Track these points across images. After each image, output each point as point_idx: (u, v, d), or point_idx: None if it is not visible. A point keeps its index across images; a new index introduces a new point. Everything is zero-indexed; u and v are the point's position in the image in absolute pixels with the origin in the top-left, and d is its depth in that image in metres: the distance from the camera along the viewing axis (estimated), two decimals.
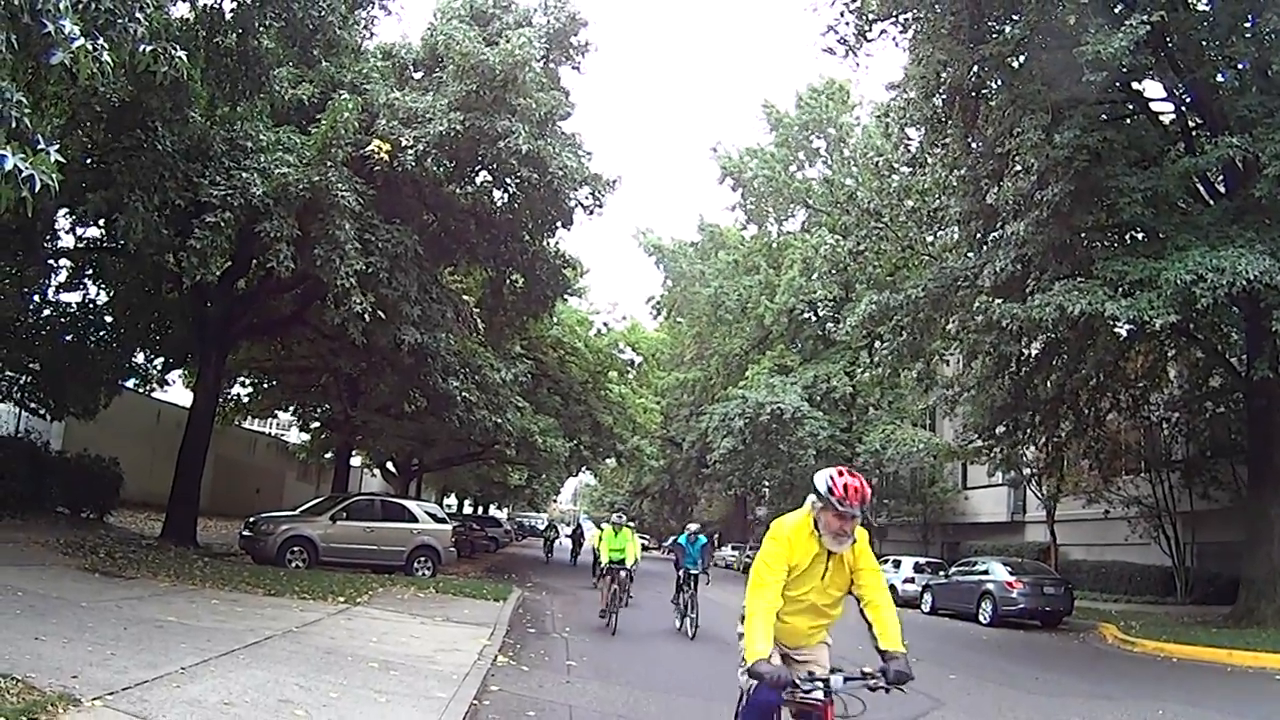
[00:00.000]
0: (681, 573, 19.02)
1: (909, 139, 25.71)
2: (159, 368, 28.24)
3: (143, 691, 7.75)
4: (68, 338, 23.57)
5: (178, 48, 9.25)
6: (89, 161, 16.71)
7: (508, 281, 29.55)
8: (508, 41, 22.43)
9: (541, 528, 52.18)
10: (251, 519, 24.24)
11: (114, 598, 12.89)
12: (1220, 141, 17.55)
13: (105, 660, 8.66)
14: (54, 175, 6.71)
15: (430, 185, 24.22)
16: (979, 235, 23.62)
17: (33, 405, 23.59)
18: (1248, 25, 18.74)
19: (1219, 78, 19.75)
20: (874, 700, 5.29)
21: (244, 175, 18.23)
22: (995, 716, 11.55)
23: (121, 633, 10.23)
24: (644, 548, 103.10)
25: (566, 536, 55.01)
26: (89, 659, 8.59)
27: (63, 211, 20.00)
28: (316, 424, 43.14)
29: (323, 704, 8.41)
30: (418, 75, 25.69)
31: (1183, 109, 21.43)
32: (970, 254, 24.20)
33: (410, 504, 27.30)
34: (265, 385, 37.27)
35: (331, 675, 9.73)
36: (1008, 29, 19.85)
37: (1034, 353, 24.19)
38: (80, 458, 23.52)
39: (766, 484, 56.84)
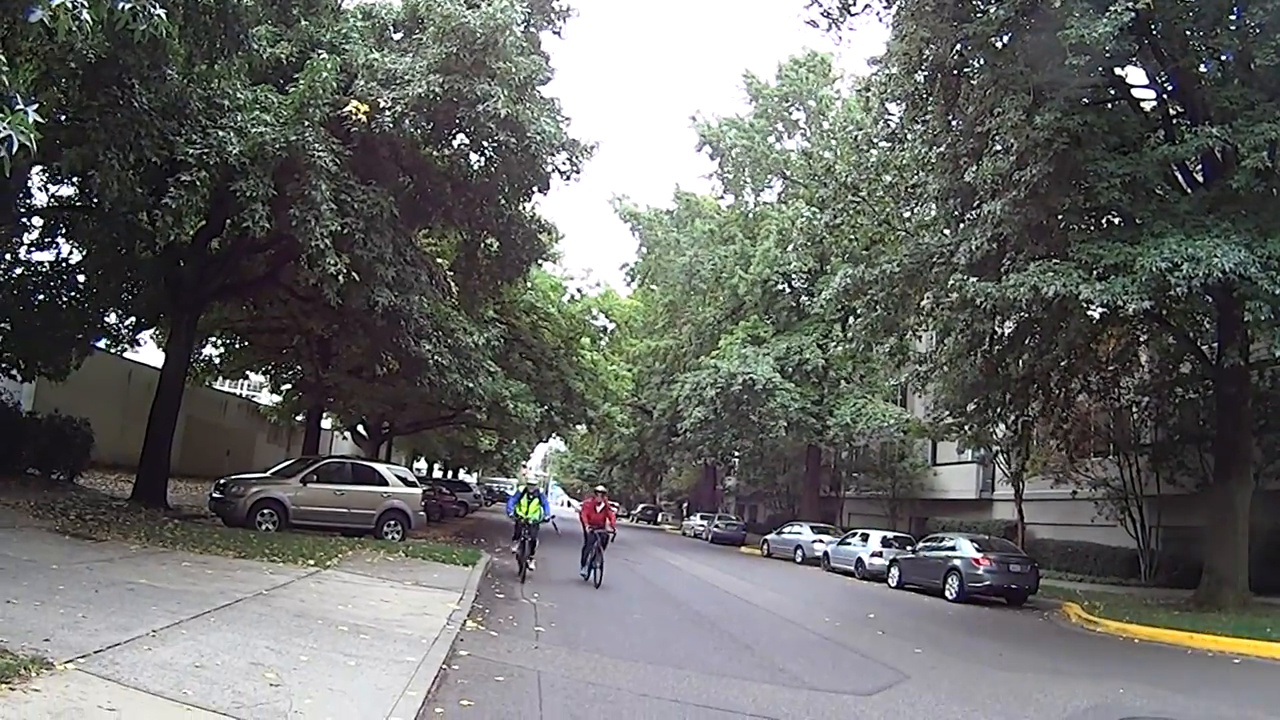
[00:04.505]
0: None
1: (889, 114, 25.57)
2: (130, 328, 27.87)
3: (115, 654, 7.77)
4: (39, 297, 23.26)
5: (156, 5, 9.07)
6: (64, 119, 16.38)
7: (482, 245, 29.55)
8: (489, 4, 22.20)
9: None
10: (222, 481, 24.21)
11: (85, 560, 12.88)
12: (1200, 131, 17.54)
13: (77, 623, 8.66)
14: (32, 135, 6.63)
15: (407, 147, 24.16)
16: (956, 213, 23.59)
17: (3, 365, 23.31)
18: (1233, 17, 18.69)
19: (1202, 68, 19.67)
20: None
21: (220, 134, 18.03)
22: (959, 691, 11.67)
23: (93, 595, 10.23)
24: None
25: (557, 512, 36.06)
26: (61, 622, 8.59)
27: (37, 169, 19.79)
28: (288, 386, 43.03)
29: (293, 667, 8.45)
30: (397, 36, 25.44)
31: (1164, 97, 21.45)
32: (946, 231, 24.20)
33: (380, 467, 27.29)
34: (237, 346, 37.10)
35: (302, 638, 9.78)
36: (993, 9, 19.73)
37: (1007, 332, 24.20)
38: (51, 419, 23.42)
39: (736, 454, 57.10)
